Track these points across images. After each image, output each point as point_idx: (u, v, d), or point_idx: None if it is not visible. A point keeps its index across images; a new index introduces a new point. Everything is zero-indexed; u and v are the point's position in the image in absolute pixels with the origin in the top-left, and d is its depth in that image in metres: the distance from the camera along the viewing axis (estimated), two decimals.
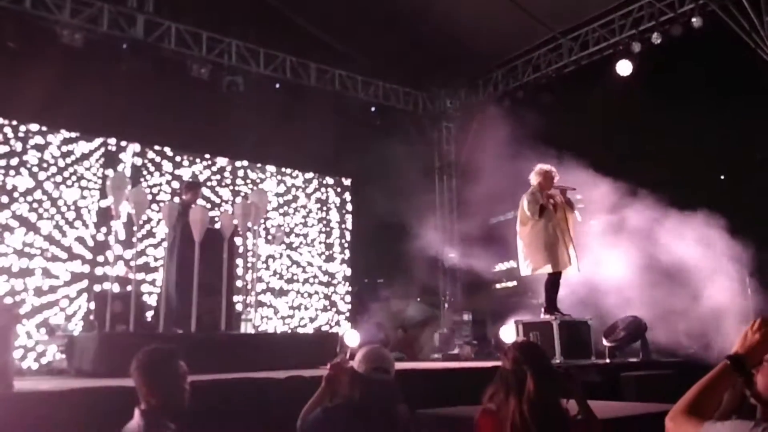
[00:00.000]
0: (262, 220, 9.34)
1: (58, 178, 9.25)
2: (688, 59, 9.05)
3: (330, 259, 11.94)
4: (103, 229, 9.39)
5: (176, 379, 2.60)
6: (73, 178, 9.39)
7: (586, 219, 7.87)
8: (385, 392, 2.70)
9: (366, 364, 2.73)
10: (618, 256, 7.78)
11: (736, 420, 1.61)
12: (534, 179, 7.18)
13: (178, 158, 10.41)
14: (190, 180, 9.62)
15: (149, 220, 9.62)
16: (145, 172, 10.03)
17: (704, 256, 7.45)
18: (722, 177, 9.17)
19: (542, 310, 7.12)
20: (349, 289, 12.02)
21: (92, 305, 8.68)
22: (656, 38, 9.34)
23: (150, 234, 9.72)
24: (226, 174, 10.98)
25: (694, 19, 8.92)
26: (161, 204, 9.35)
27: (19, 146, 8.99)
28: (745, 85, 8.59)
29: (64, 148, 9.38)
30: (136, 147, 10.02)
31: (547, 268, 6.99)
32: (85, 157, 9.55)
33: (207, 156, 10.74)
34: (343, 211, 12.33)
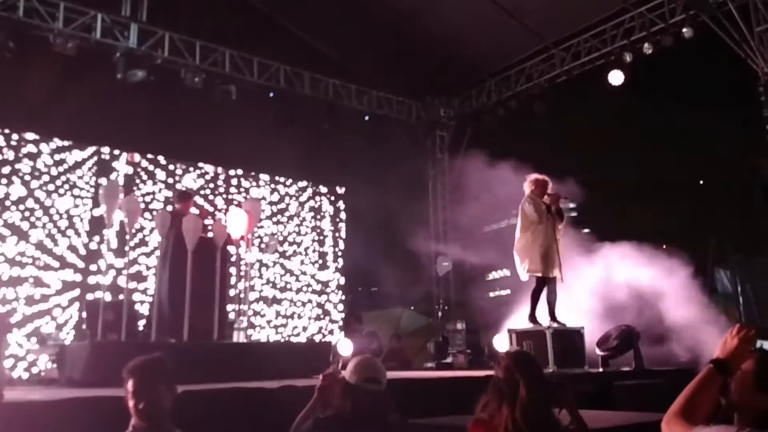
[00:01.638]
0: (256, 229, 9.33)
1: (51, 187, 9.21)
2: (679, 69, 9.15)
3: (323, 267, 11.92)
4: (96, 238, 9.35)
5: (161, 390, 2.62)
6: (66, 186, 9.35)
7: (580, 227, 7.92)
8: (376, 403, 2.70)
9: (357, 375, 2.72)
10: (607, 260, 7.83)
11: (722, 425, 1.66)
12: (527, 188, 7.24)
13: (171, 167, 10.39)
14: (183, 190, 9.58)
15: (142, 228, 9.57)
16: (138, 181, 10.00)
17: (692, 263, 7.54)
18: (701, 182, 9.29)
19: (535, 317, 7.14)
20: (343, 297, 11.99)
21: (84, 314, 8.63)
22: (647, 48, 9.42)
23: (143, 242, 9.68)
24: (220, 182, 10.96)
25: (684, 30, 9.00)
26: (154, 212, 9.35)
27: (11, 155, 8.95)
28: (736, 95, 8.69)
29: (57, 157, 9.35)
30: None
31: (538, 273, 7.04)
32: (77, 165, 9.52)
33: (200, 164, 10.73)
34: (337, 220, 12.32)
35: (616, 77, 9.78)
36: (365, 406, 2.67)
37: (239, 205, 10.57)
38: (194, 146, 10.12)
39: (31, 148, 9.14)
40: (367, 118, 11.73)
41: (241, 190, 11.19)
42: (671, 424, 1.75)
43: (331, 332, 11.60)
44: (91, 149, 9.66)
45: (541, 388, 2.49)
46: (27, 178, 9.03)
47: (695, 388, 1.79)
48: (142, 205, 9.15)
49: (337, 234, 12.26)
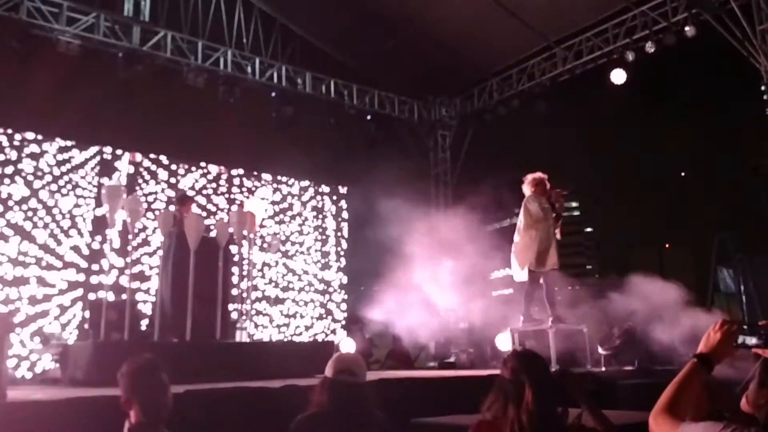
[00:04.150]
0: (258, 229, 9.32)
1: (54, 187, 9.21)
2: (681, 68, 9.14)
3: (326, 267, 11.92)
4: (98, 238, 9.36)
5: (159, 390, 2.60)
6: (69, 186, 9.35)
7: (582, 225, 7.89)
8: (352, 395, 2.70)
9: (333, 368, 2.76)
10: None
11: (708, 422, 1.66)
12: (528, 189, 7.23)
13: (173, 167, 10.39)
14: (183, 194, 9.57)
15: (144, 228, 9.59)
16: (140, 181, 10.01)
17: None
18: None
19: (530, 316, 7.13)
20: (345, 297, 11.99)
21: (87, 314, 8.64)
22: (650, 47, 9.41)
23: (145, 242, 9.68)
24: (222, 182, 10.97)
25: (687, 28, 8.99)
26: (156, 212, 9.36)
27: (14, 155, 8.96)
28: (738, 94, 8.67)
29: (60, 157, 9.35)
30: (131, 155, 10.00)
31: (534, 269, 7.04)
32: (80, 165, 9.52)
33: (202, 164, 10.73)
34: (339, 219, 12.33)
35: (618, 76, 9.77)
36: (342, 399, 2.67)
37: (241, 204, 10.58)
38: (196, 146, 10.12)
39: (33, 148, 9.14)
40: (368, 117, 11.73)
41: (243, 189, 11.19)
42: (658, 419, 1.76)
43: (333, 332, 11.60)
44: (94, 149, 9.67)
45: (547, 389, 2.47)
46: (30, 178, 9.04)
47: (680, 383, 1.81)
48: (145, 205, 9.17)
49: (339, 233, 12.26)
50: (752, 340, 1.81)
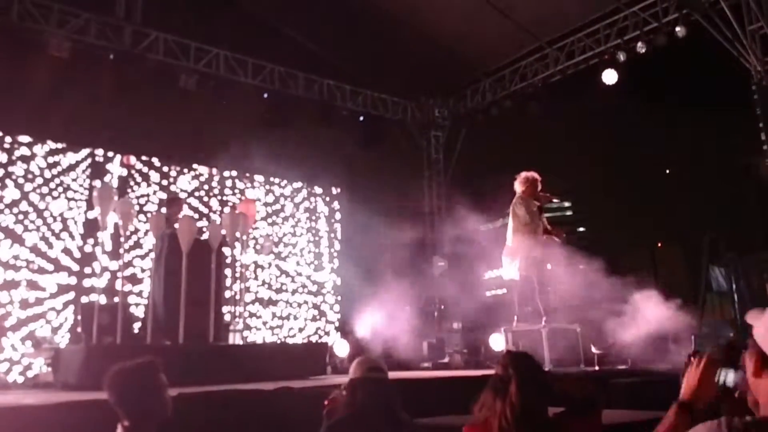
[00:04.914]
0: (251, 230, 9.31)
1: (45, 190, 9.16)
2: (672, 68, 9.18)
3: (319, 268, 11.90)
4: (90, 241, 9.31)
5: (152, 393, 2.53)
6: (60, 189, 9.31)
7: (574, 226, 7.92)
8: (384, 391, 2.73)
9: (361, 369, 2.78)
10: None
11: (706, 422, 1.63)
12: (519, 187, 7.25)
13: (165, 169, 10.36)
14: (172, 196, 9.54)
15: (136, 230, 9.55)
16: (132, 183, 9.97)
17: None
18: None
19: (524, 317, 7.15)
20: (338, 298, 11.98)
21: (79, 317, 8.60)
22: (641, 47, 9.46)
23: (137, 245, 9.65)
24: (214, 184, 10.94)
25: (678, 29, 9.03)
26: (148, 215, 9.33)
27: (4, 158, 8.91)
28: (729, 94, 8.73)
29: (51, 159, 9.31)
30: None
31: (527, 273, 7.05)
32: (71, 168, 9.48)
33: (195, 166, 10.70)
34: (332, 221, 12.31)
35: (609, 76, 9.81)
36: (375, 396, 2.70)
37: (234, 206, 10.57)
38: (188, 148, 10.10)
39: (24, 151, 9.09)
40: (361, 118, 11.73)
41: (236, 191, 11.17)
42: None
43: (327, 333, 11.59)
44: (85, 151, 9.63)
45: (533, 386, 2.48)
46: (21, 181, 8.98)
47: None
48: (137, 208, 9.14)
49: (332, 235, 12.24)
50: (732, 375, 1.67)
